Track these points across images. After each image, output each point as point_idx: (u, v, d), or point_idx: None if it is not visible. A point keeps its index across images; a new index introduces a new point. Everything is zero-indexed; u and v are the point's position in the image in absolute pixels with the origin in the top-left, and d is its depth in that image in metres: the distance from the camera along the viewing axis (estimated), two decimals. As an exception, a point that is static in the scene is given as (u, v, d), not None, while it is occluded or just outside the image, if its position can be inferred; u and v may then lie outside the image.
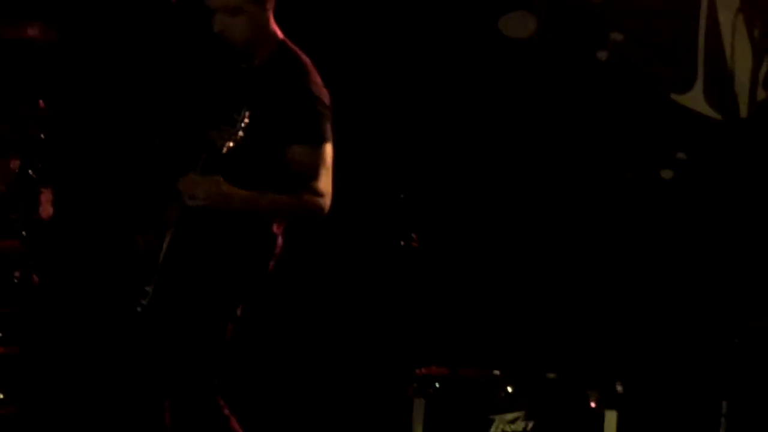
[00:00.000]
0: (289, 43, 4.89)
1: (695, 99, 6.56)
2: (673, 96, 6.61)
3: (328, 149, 4.78)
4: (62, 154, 6.49)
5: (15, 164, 6.21)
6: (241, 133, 4.63)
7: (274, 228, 4.87)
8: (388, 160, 6.71)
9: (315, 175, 4.73)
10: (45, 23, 6.34)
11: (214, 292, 4.77)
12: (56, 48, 6.39)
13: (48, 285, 6.27)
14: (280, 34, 4.90)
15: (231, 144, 4.63)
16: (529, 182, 6.77)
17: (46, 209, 6.32)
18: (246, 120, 4.63)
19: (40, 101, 6.25)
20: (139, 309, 4.69)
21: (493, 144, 6.79)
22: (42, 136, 5.98)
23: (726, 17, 6.50)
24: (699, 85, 6.56)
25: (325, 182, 4.76)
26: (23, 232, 5.93)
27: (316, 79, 4.83)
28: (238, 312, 4.80)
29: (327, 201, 4.77)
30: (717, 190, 6.45)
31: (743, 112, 6.44)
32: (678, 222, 6.55)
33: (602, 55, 6.66)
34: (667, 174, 6.56)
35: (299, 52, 4.88)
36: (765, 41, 6.13)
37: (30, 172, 5.81)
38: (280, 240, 4.88)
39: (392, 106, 6.71)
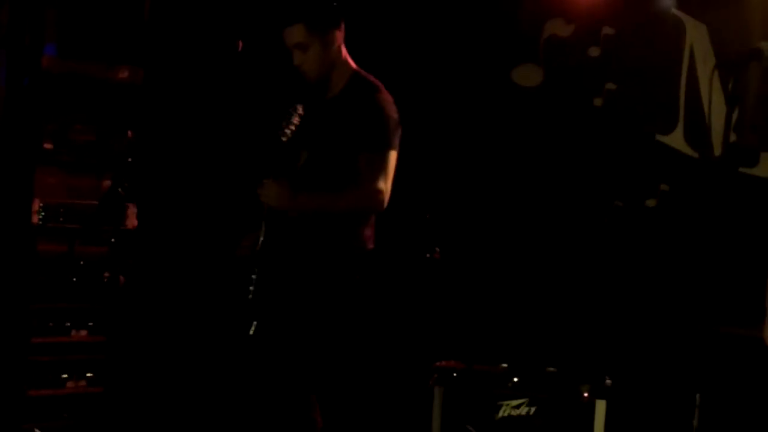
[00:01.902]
0: (362, 72, 5.04)
1: (677, 139, 6.74)
2: (658, 136, 6.80)
3: (392, 155, 4.87)
4: (147, 175, 6.70)
5: (106, 184, 6.45)
6: (296, 120, 4.75)
7: (366, 232, 4.96)
8: (418, 187, 6.90)
9: (376, 175, 4.82)
10: (134, 66, 6.58)
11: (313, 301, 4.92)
12: (143, 87, 6.62)
13: (132, 284, 6.39)
14: (353, 64, 5.05)
15: (288, 132, 4.74)
16: (534, 207, 6.98)
17: (132, 221, 6.57)
18: (300, 111, 4.77)
19: (129, 131, 6.53)
20: (250, 296, 4.75)
21: (505, 176, 7.05)
22: (129, 160, 6.10)
23: (704, 72, 6.69)
24: (680, 128, 6.75)
25: (384, 181, 4.84)
26: (112, 240, 6.03)
27: (387, 96, 4.95)
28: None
29: (384, 197, 4.84)
30: (694, 216, 6.59)
31: (717, 151, 6.58)
32: (660, 242, 6.68)
33: (598, 101, 6.92)
34: (651, 203, 6.78)
35: (371, 77, 5.02)
36: (736, 92, 6.03)
37: (119, 190, 5.89)
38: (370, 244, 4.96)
39: (423, 146, 6.86)
